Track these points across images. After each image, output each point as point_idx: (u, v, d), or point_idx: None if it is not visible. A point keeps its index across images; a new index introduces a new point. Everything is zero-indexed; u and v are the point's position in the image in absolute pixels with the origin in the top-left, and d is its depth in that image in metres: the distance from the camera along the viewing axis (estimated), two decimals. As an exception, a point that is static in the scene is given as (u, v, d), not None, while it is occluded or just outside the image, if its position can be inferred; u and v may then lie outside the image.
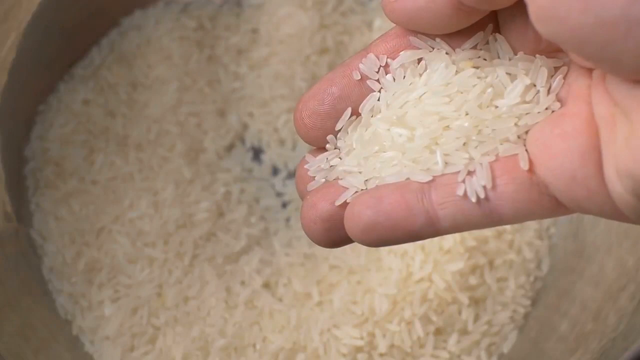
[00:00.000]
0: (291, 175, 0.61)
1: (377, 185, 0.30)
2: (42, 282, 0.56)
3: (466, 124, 0.29)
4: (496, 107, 0.29)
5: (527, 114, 0.29)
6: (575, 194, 0.26)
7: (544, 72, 0.29)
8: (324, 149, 0.33)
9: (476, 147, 0.29)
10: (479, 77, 0.30)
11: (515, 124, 0.29)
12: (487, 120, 0.29)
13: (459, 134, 0.29)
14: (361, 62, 0.31)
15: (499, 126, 0.29)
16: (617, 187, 0.24)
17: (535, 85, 0.29)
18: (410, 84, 0.31)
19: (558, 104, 0.28)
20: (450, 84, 0.30)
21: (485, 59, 0.30)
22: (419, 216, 0.29)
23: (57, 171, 0.58)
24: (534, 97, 0.29)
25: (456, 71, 0.30)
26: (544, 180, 0.27)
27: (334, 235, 0.31)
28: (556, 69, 0.29)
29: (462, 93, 0.30)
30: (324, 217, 0.31)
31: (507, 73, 0.30)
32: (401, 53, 0.31)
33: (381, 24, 0.63)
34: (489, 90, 0.29)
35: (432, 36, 0.31)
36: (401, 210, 0.29)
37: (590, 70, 0.27)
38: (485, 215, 0.28)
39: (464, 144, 0.29)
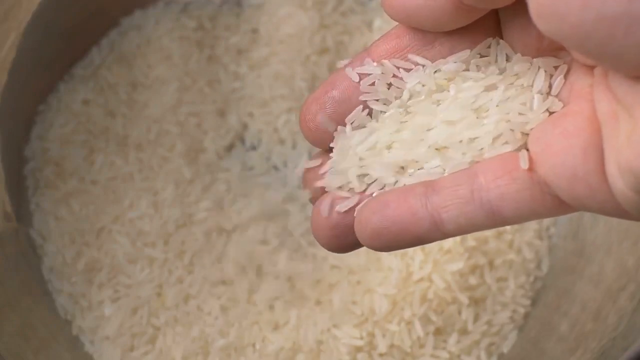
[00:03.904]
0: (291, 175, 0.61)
1: (383, 191, 0.31)
2: (42, 282, 0.56)
3: (449, 131, 0.30)
4: (487, 110, 0.30)
5: (520, 114, 0.29)
6: (577, 191, 0.26)
7: (542, 75, 0.29)
8: (326, 152, 0.33)
9: (471, 151, 0.30)
10: (460, 91, 0.30)
11: (512, 129, 0.29)
12: (478, 128, 0.29)
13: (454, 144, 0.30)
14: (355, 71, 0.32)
15: (493, 131, 0.29)
16: (619, 183, 0.24)
17: (532, 87, 0.29)
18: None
19: (560, 104, 0.29)
20: (432, 99, 0.31)
21: (478, 65, 0.31)
22: (423, 220, 0.29)
23: (57, 171, 0.58)
24: (531, 100, 0.29)
25: (436, 85, 0.31)
26: (545, 178, 0.27)
27: (342, 241, 0.32)
28: (556, 67, 0.29)
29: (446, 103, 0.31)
30: (331, 224, 0.31)
31: (502, 77, 0.30)
32: (372, 74, 0.32)
33: (381, 24, 0.63)
34: (477, 100, 0.30)
35: (414, 51, 0.31)
36: (406, 215, 0.29)
37: (592, 69, 0.27)
38: (488, 217, 0.28)
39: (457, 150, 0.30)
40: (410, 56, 0.31)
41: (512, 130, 0.29)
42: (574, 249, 0.54)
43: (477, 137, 0.29)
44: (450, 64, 0.31)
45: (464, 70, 0.31)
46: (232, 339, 0.52)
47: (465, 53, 0.30)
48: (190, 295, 0.54)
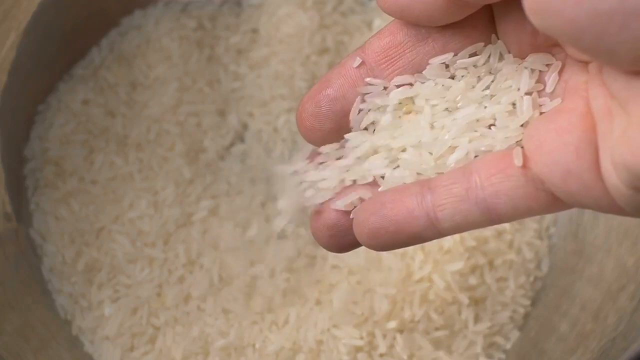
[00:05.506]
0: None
1: (379, 191, 0.31)
2: (42, 282, 0.56)
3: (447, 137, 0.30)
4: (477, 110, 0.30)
5: (508, 114, 0.29)
6: (571, 188, 0.26)
7: (526, 76, 0.29)
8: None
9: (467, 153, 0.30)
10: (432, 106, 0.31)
11: (505, 134, 0.29)
12: (475, 133, 0.30)
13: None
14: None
15: (488, 134, 0.29)
16: (614, 179, 0.24)
17: (519, 89, 0.29)
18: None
19: (557, 101, 0.29)
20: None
21: (465, 68, 0.31)
22: (420, 219, 0.29)
23: (57, 171, 0.58)
24: (521, 102, 0.29)
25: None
26: (539, 176, 0.27)
27: (340, 241, 0.32)
28: (548, 65, 0.29)
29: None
30: (328, 225, 0.32)
31: (483, 80, 0.30)
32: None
33: (381, 23, 0.63)
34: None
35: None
36: (403, 215, 0.30)
37: (586, 65, 0.27)
38: (483, 214, 0.29)
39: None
40: (368, 80, 0.31)
41: (483, 136, 0.29)
42: (574, 249, 0.54)
43: (451, 146, 0.30)
44: (399, 91, 0.31)
45: (444, 72, 0.31)
46: (232, 339, 0.52)
47: (449, 55, 0.31)
48: (190, 295, 0.54)
